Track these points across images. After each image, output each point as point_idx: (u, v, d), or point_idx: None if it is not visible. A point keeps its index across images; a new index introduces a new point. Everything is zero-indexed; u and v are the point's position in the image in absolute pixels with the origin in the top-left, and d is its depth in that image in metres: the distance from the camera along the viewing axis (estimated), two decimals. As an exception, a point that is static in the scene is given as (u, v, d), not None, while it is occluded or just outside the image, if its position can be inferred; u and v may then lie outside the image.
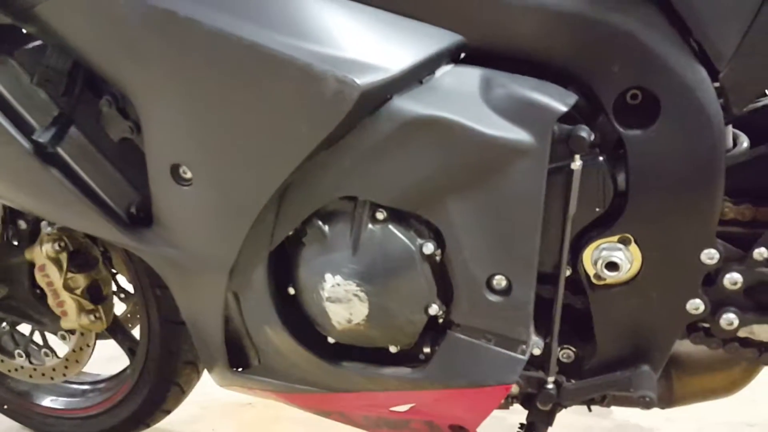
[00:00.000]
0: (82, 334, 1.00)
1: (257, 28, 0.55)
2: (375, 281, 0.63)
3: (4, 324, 1.02)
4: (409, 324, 0.64)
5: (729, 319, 0.61)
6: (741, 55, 0.55)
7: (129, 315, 1.12)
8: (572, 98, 0.58)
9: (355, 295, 0.63)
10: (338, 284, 0.63)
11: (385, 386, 0.67)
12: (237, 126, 0.59)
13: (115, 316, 1.03)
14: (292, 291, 0.68)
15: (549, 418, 0.69)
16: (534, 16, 0.58)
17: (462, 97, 0.58)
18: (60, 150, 0.68)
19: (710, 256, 0.59)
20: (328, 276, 0.64)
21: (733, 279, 0.59)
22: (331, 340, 0.69)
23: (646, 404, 0.62)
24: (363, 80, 0.54)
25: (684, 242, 0.60)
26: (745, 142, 0.63)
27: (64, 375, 1.05)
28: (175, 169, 0.63)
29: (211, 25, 0.55)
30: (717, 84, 0.57)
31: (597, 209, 0.61)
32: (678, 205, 0.60)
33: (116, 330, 1.05)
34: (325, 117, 0.55)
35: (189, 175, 0.63)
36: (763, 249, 0.58)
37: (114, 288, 1.04)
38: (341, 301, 0.64)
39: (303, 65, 0.54)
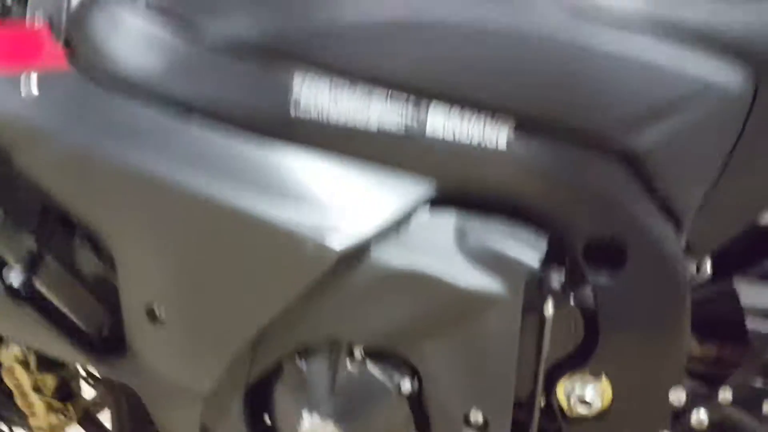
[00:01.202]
0: (53, 424, 0.99)
1: (229, 187, 0.56)
2: (353, 420, 0.63)
3: None
4: None
5: None
6: (703, 212, 0.57)
7: (99, 400, 1.11)
8: (544, 246, 0.60)
9: None
10: (316, 422, 0.64)
11: None
12: (211, 277, 0.60)
13: (85, 407, 1.01)
14: (268, 422, 0.68)
15: None
16: (506, 169, 0.59)
17: (437, 247, 0.59)
18: (34, 280, 0.67)
19: (678, 395, 0.61)
20: (305, 413, 0.64)
21: (699, 419, 0.62)
22: None
23: None
24: (340, 244, 0.54)
25: (653, 380, 0.62)
26: (708, 269, 0.65)
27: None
28: (149, 309, 0.63)
29: (182, 185, 0.55)
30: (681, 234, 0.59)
31: (569, 348, 0.62)
32: (646, 345, 0.62)
33: (87, 422, 1.04)
34: (301, 278, 0.56)
35: (163, 315, 0.63)
36: (728, 392, 0.60)
37: (83, 373, 1.03)
38: None
39: (277, 227, 0.55)
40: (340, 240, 0.55)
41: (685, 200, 0.57)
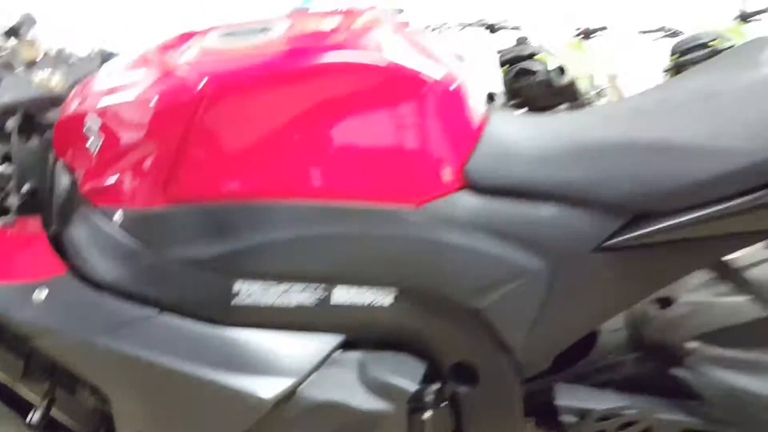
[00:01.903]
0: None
1: (189, 362, 0.78)
2: None
3: None
4: None
5: None
6: (526, 349, 0.83)
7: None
8: (422, 370, 0.84)
9: None
10: None
11: None
12: (177, 423, 0.83)
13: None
14: None
15: None
16: (393, 321, 0.83)
17: (345, 381, 0.83)
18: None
19: (519, 465, 0.88)
20: None
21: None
22: None
23: None
24: (273, 393, 0.78)
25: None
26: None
27: None
28: (138, 432, 0.86)
29: (153, 362, 0.78)
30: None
31: (444, 438, 0.88)
32: (493, 428, 0.88)
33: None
34: (248, 420, 0.79)
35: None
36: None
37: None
38: None
39: (226, 387, 0.78)
40: (272, 391, 0.78)
41: (512, 339, 0.82)
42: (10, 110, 0.90)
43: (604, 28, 4.17)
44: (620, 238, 0.76)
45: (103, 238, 0.80)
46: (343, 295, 0.81)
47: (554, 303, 0.80)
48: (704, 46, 3.26)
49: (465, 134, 0.82)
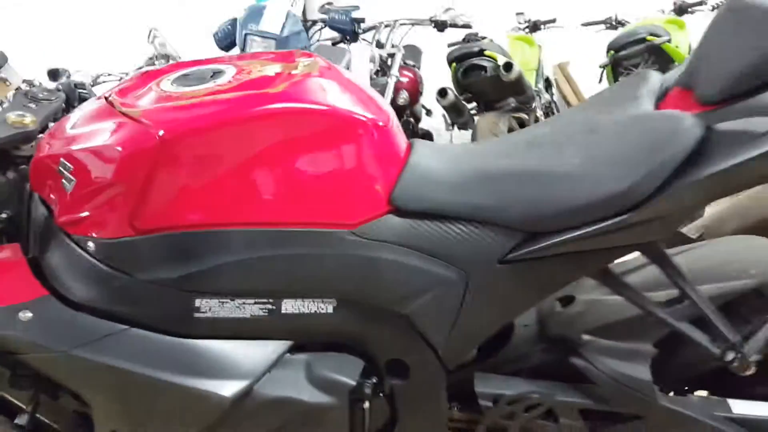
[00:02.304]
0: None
1: (158, 368, 0.91)
2: None
3: None
4: None
5: None
6: (447, 346, 0.98)
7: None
8: (360, 367, 0.98)
9: None
10: None
11: None
12: (146, 421, 0.96)
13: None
14: None
15: None
16: (334, 326, 0.97)
17: (294, 379, 0.97)
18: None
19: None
20: None
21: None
22: None
23: None
24: (231, 393, 0.92)
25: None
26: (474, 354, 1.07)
27: None
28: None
29: (107, 363, 0.91)
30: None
31: (380, 423, 1.03)
32: (423, 416, 1.03)
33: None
34: (211, 416, 0.93)
35: (123, 434, 0.99)
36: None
37: None
38: None
39: (191, 389, 0.91)
40: (231, 390, 0.92)
41: (435, 338, 0.97)
42: (-7, 149, 1.01)
43: (553, 21, 4.34)
44: (518, 253, 0.91)
45: (79, 264, 0.93)
46: (290, 306, 0.95)
47: (468, 307, 0.95)
48: (641, 41, 3.42)
49: (392, 165, 0.96)
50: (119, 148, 0.87)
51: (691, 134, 0.83)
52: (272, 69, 0.99)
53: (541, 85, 4.32)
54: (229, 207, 0.90)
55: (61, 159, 0.92)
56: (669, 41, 3.45)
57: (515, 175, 0.93)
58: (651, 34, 3.42)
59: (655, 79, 1.00)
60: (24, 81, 1.15)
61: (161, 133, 0.86)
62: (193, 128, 0.88)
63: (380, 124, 0.95)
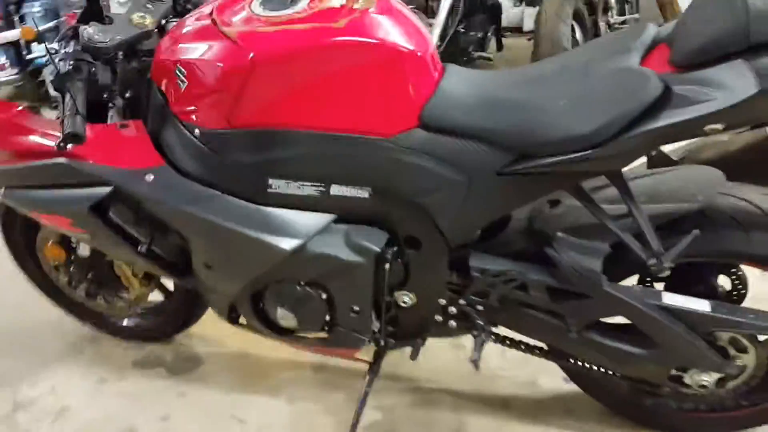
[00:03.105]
0: (142, 293, 1.79)
1: (239, 222, 1.28)
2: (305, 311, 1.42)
3: (100, 294, 1.78)
4: None
5: None
6: (451, 230, 1.30)
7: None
8: (385, 238, 1.33)
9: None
10: (283, 313, 1.43)
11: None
12: (229, 256, 1.34)
13: (158, 279, 1.80)
14: (260, 304, 1.47)
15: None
16: (368, 207, 1.29)
17: (336, 242, 1.32)
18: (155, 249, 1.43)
19: (442, 301, 1.39)
20: (279, 309, 1.42)
21: (452, 310, 1.41)
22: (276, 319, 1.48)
23: None
24: (289, 246, 1.28)
25: (433, 294, 1.39)
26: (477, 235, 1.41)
27: (133, 310, 1.85)
28: (205, 263, 1.39)
29: (215, 221, 1.28)
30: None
31: (397, 279, 1.38)
32: (429, 276, 1.38)
33: (159, 286, 1.84)
34: (274, 258, 1.30)
35: (211, 265, 1.38)
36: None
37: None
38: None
39: (263, 239, 1.28)
40: (289, 244, 1.28)
41: (442, 223, 1.29)
42: (122, 44, 1.33)
43: None
44: (511, 168, 1.20)
45: (188, 145, 1.28)
46: (337, 190, 1.28)
47: (469, 203, 1.26)
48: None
49: (425, 88, 1.23)
50: (221, 64, 1.18)
51: (650, 92, 1.07)
52: (338, 0, 1.25)
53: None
54: (297, 114, 1.21)
55: (178, 64, 1.23)
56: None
57: (516, 107, 1.19)
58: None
59: (650, 32, 1.20)
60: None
61: (251, 55, 1.16)
62: (275, 54, 1.17)
63: (419, 54, 1.21)
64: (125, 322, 1.95)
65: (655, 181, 1.31)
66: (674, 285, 1.38)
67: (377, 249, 1.31)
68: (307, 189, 1.27)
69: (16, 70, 3.99)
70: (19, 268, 1.87)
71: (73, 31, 1.32)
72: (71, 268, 1.74)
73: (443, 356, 1.84)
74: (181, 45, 1.26)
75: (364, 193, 1.28)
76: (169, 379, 1.84)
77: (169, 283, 1.83)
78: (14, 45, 3.96)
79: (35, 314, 2.08)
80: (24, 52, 4.02)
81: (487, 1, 4.26)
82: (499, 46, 4.56)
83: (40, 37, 1.42)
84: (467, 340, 1.68)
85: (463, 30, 4.02)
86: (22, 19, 4.02)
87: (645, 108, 1.07)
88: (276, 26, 1.21)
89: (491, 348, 1.74)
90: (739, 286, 1.40)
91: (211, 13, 1.29)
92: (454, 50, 3.97)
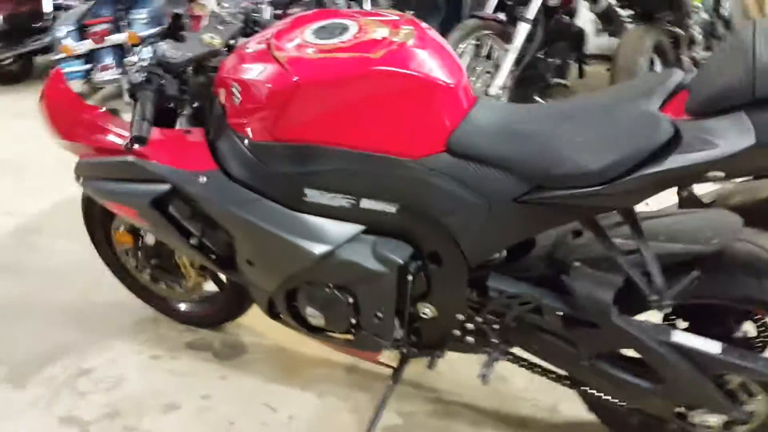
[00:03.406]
0: (197, 282, 1.96)
1: (280, 227, 1.41)
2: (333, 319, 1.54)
3: (162, 280, 1.98)
4: None
5: None
6: (471, 250, 1.38)
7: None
8: (409, 252, 1.42)
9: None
10: (313, 312, 1.55)
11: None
12: (267, 252, 1.48)
13: (212, 272, 1.98)
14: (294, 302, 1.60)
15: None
16: (396, 222, 1.40)
17: (364, 252, 1.42)
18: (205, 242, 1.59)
19: (461, 317, 1.48)
20: (309, 308, 1.55)
21: (470, 326, 1.48)
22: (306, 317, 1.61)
23: None
24: (319, 251, 1.40)
25: (453, 309, 1.48)
26: (503, 255, 1.48)
27: (190, 296, 2.03)
28: (247, 260, 1.53)
29: (257, 224, 1.41)
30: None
31: (420, 291, 1.48)
32: (450, 292, 1.46)
33: (214, 278, 2.01)
34: (306, 261, 1.43)
35: (252, 262, 1.53)
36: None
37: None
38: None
39: (297, 243, 1.41)
40: (320, 249, 1.40)
41: (463, 243, 1.37)
42: (191, 61, 1.50)
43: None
44: (527, 197, 1.27)
45: (238, 153, 1.42)
46: (367, 203, 1.39)
47: (488, 226, 1.34)
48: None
49: (454, 116, 1.32)
50: (269, 85, 1.32)
51: (661, 136, 1.11)
52: (381, 33, 1.36)
53: (709, 1, 4.18)
54: (334, 133, 1.33)
55: (235, 82, 1.38)
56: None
57: (536, 140, 1.26)
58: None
59: (676, 78, 1.24)
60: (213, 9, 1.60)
61: (295, 79, 1.29)
62: (316, 79, 1.29)
63: (451, 85, 1.31)
64: (183, 308, 2.13)
65: (675, 221, 1.35)
66: (697, 326, 1.40)
67: (401, 261, 1.41)
68: (339, 200, 1.39)
69: (120, 71, 4.35)
70: (96, 251, 2.09)
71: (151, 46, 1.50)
72: (138, 254, 1.93)
73: (468, 372, 1.91)
74: (238, 65, 1.41)
75: (391, 209, 1.39)
76: (214, 362, 2.00)
77: (223, 277, 2.00)
78: (120, 48, 4.33)
79: (107, 294, 2.31)
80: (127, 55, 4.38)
81: (572, 28, 4.27)
82: (581, 74, 4.56)
83: (143, 43, 1.61)
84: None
85: (542, 56, 4.06)
86: (129, 24, 4.38)
87: (654, 151, 1.12)
88: (322, 53, 1.34)
89: (519, 371, 1.81)
90: (764, 333, 1.41)
91: (269, 38, 1.43)
92: (532, 75, 4.02)
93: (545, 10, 3.84)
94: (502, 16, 3.83)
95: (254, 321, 2.14)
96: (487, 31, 3.63)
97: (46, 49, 5.44)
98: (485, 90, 3.63)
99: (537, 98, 3.99)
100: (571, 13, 4.25)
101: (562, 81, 4.15)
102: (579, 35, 4.36)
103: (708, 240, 1.27)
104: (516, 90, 3.91)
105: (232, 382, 1.93)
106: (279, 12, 4.44)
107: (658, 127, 1.13)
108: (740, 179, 1.28)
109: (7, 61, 5.45)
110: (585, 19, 4.47)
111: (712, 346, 1.30)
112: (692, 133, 1.10)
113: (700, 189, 1.45)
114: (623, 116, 1.20)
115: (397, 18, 1.44)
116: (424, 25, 1.43)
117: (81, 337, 2.13)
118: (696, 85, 1.16)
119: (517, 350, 1.55)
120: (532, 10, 3.60)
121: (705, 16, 4.02)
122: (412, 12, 4.09)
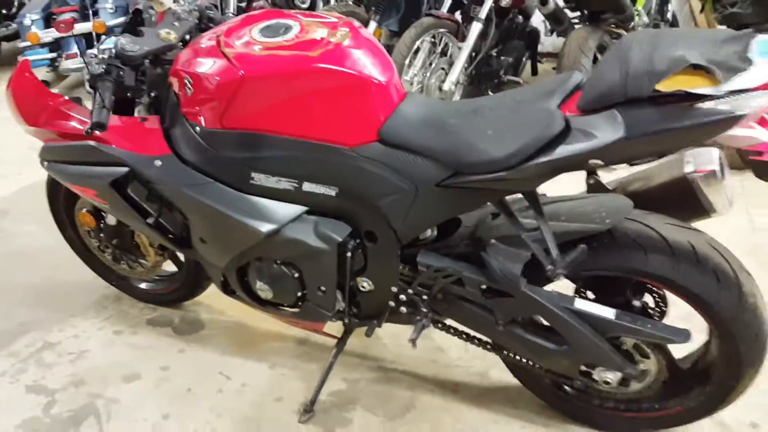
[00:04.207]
0: (157, 261, 2.10)
1: (226, 206, 1.56)
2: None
3: (123, 259, 2.12)
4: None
5: None
6: (401, 229, 1.56)
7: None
8: (347, 231, 1.59)
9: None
10: (262, 286, 1.71)
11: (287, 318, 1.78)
12: (216, 232, 1.63)
13: (171, 255, 2.12)
14: (245, 278, 1.76)
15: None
16: (334, 203, 1.56)
17: (306, 230, 1.59)
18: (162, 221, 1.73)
19: (394, 288, 1.65)
20: (258, 282, 1.71)
21: (403, 297, 1.66)
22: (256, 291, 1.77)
23: None
24: (266, 229, 1.56)
25: (386, 281, 1.65)
26: (433, 233, 1.66)
27: (150, 275, 2.18)
28: (201, 238, 1.68)
29: (206, 203, 1.57)
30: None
31: (357, 266, 1.64)
32: (382, 266, 1.63)
33: (173, 258, 2.15)
34: (253, 239, 1.58)
35: (205, 240, 1.68)
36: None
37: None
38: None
39: (246, 222, 1.56)
40: (266, 227, 1.56)
41: (394, 223, 1.54)
42: (148, 54, 1.64)
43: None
44: (447, 182, 1.44)
45: (190, 139, 1.57)
46: (308, 186, 1.55)
47: (415, 208, 1.50)
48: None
49: (385, 109, 1.49)
50: (218, 78, 1.47)
51: (554, 129, 1.29)
52: (320, 33, 1.52)
53: (651, 5, 4.41)
54: (277, 122, 1.49)
55: (187, 75, 1.53)
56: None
57: (454, 131, 1.43)
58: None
59: (575, 79, 1.42)
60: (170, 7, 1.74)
61: (241, 73, 1.44)
62: (261, 73, 1.45)
63: (382, 82, 1.47)
64: (143, 286, 2.27)
65: (576, 205, 1.53)
66: (603, 297, 1.60)
67: (339, 239, 1.57)
68: (283, 184, 1.55)
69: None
70: (60, 233, 2.22)
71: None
72: (100, 235, 2.07)
73: (408, 344, 2.09)
74: (191, 59, 1.56)
75: (331, 192, 1.55)
76: (173, 337, 2.15)
77: (181, 256, 2.14)
78: (86, 36, 4.40)
79: (70, 275, 2.44)
80: (95, 44, 4.45)
81: (526, 28, 4.47)
82: (534, 71, 4.77)
83: (109, 31, 1.74)
84: (434, 334, 1.96)
85: (496, 54, 4.25)
86: (95, 13, 4.46)
87: (547, 141, 1.30)
88: (267, 50, 1.49)
89: (454, 343, 1.99)
90: (661, 304, 1.61)
91: (220, 35, 1.58)
92: (486, 72, 4.21)
93: (498, 10, 4.03)
94: (458, 15, 4.01)
95: (212, 300, 2.30)
96: (442, 29, 3.81)
97: (13, 37, 5.49)
98: (440, 85, 3.81)
99: (490, 94, 4.18)
100: (527, 14, 4.44)
101: (515, 78, 4.34)
102: (533, 35, 4.57)
103: (602, 220, 1.46)
104: (470, 86, 4.09)
105: (190, 354, 2.07)
106: (242, 4, 4.56)
107: (552, 121, 1.31)
108: (640, 166, 1.46)
109: (-29, 49, 5.47)
110: (540, 19, 4.67)
111: (607, 312, 1.50)
112: (578, 127, 1.29)
113: (606, 177, 1.64)
114: (526, 112, 1.38)
115: (336, 20, 1.60)
116: (357, 25, 1.58)
117: (46, 315, 2.25)
118: (586, 87, 1.35)
119: (445, 320, 1.73)
120: (484, 10, 3.78)
121: (645, 20, 4.24)
122: (373, 9, 4.26)
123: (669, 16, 4.64)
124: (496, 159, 1.35)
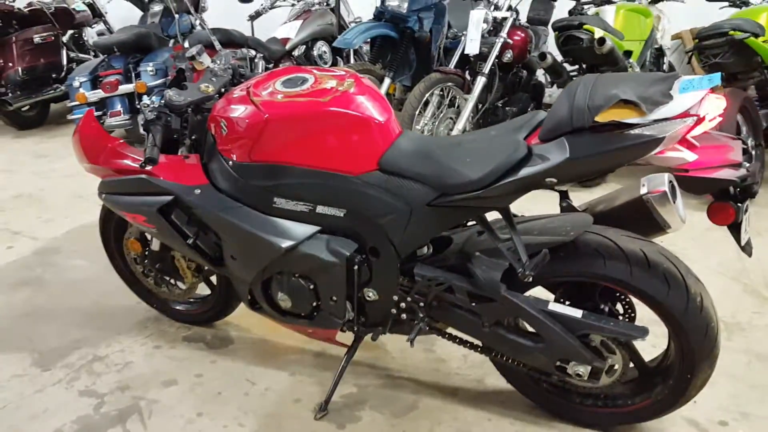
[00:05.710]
0: (193, 284, 2.41)
1: (254, 226, 1.87)
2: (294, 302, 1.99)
3: (164, 283, 2.43)
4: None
5: None
6: (400, 245, 1.84)
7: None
8: (354, 247, 1.88)
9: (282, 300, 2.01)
10: (282, 296, 2.00)
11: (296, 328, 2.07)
12: (244, 253, 1.94)
13: (207, 276, 2.43)
14: (268, 290, 2.05)
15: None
16: (343, 223, 1.86)
17: (319, 246, 1.88)
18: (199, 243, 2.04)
19: (395, 296, 1.92)
20: (279, 293, 2.00)
21: (404, 305, 1.94)
22: (278, 302, 2.05)
23: None
24: (286, 245, 1.86)
25: (389, 292, 1.93)
26: (429, 250, 1.94)
27: (186, 297, 2.48)
28: (231, 255, 1.99)
29: (239, 225, 1.88)
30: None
31: (365, 278, 1.93)
32: (383, 282, 1.91)
33: (207, 281, 2.46)
34: (274, 253, 1.89)
35: (235, 257, 1.98)
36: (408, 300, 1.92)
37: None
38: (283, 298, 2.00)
39: (267, 238, 1.87)
40: (285, 244, 1.86)
41: (394, 239, 1.83)
42: (191, 104, 1.99)
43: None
44: (435, 202, 1.73)
45: (224, 171, 1.90)
46: (321, 209, 1.86)
47: (411, 225, 1.80)
48: (723, 35, 3.80)
49: (384, 144, 1.80)
50: (248, 121, 1.80)
51: (518, 155, 1.59)
52: (330, 83, 1.86)
53: (645, 58, 4.74)
54: (295, 155, 1.81)
55: (222, 119, 1.87)
56: (758, 36, 3.79)
57: (440, 160, 1.74)
58: (736, 29, 3.77)
59: (539, 117, 1.73)
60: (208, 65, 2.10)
61: (266, 116, 1.78)
62: (282, 116, 1.78)
63: (381, 121, 1.79)
64: (180, 308, 2.58)
65: (546, 222, 1.82)
66: (577, 303, 1.85)
67: (347, 254, 1.87)
68: (300, 206, 1.86)
69: (128, 116, 4.88)
70: (109, 262, 2.55)
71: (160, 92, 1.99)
72: (145, 261, 2.39)
73: (415, 356, 2.35)
74: (226, 106, 1.90)
75: (339, 213, 1.85)
76: (206, 350, 2.44)
77: (214, 280, 2.45)
78: (128, 96, 4.86)
79: (116, 301, 2.76)
80: (136, 102, 4.91)
81: (530, 81, 4.83)
82: (539, 120, 5.09)
83: (149, 91, 2.11)
84: (436, 347, 2.23)
85: (501, 104, 4.59)
86: (138, 75, 4.92)
87: (513, 165, 1.60)
88: (287, 98, 1.83)
89: (455, 354, 2.24)
90: (629, 310, 1.86)
91: (249, 86, 1.93)
92: (493, 121, 4.55)
93: (502, 65, 4.39)
94: (466, 69, 4.39)
95: (240, 320, 2.59)
96: (449, 83, 4.17)
97: (61, 98, 6.02)
98: (448, 133, 4.15)
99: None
100: (531, 69, 4.80)
101: (520, 126, 4.65)
102: (538, 87, 4.91)
103: (567, 233, 1.73)
104: (477, 133, 4.42)
105: (221, 364, 2.36)
106: (270, 66, 5.00)
107: (518, 149, 1.62)
108: (605, 190, 1.74)
109: (25, 108, 6.01)
110: (542, 72, 5.02)
111: (576, 312, 1.76)
112: (537, 153, 1.59)
113: (577, 201, 1.93)
114: (498, 143, 1.69)
115: (344, 73, 1.94)
116: (362, 77, 1.92)
117: (95, 334, 2.56)
118: (545, 121, 1.65)
119: (438, 324, 1.99)
120: (487, 66, 4.14)
121: (637, 71, 4.56)
122: (387, 67, 4.66)
123: (665, 67, 4.96)
124: (473, 180, 1.65)
